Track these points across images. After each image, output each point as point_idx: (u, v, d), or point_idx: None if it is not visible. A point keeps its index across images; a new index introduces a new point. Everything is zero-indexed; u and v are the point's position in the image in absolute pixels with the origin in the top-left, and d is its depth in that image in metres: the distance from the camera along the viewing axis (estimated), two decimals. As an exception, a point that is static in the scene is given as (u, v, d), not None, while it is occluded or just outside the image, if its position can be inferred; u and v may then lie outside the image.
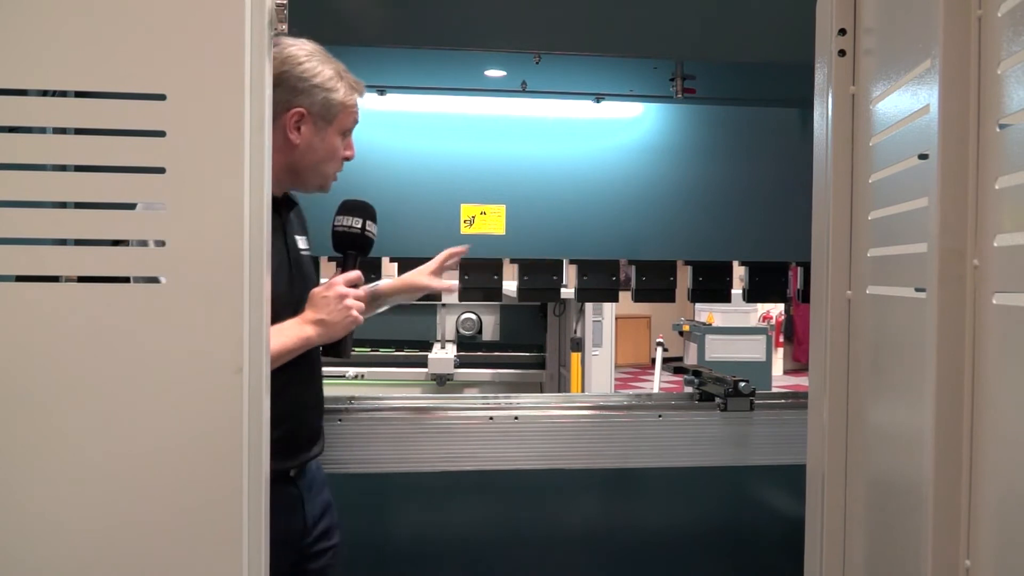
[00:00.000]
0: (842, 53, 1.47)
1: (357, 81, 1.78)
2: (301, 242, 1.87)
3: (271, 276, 1.65)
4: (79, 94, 1.05)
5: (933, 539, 1.13)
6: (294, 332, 1.65)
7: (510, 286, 2.58)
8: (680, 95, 2.39)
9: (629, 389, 9.88)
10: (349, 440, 2.36)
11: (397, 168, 2.42)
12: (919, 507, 1.17)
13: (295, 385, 1.74)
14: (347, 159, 1.81)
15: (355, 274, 1.73)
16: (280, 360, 1.62)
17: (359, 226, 1.78)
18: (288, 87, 1.69)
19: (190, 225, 1.05)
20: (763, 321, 9.93)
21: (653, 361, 7.87)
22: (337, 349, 1.72)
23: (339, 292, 1.68)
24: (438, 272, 2.13)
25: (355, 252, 1.79)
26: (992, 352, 1.08)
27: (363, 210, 1.80)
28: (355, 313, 1.69)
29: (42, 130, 1.08)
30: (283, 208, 1.80)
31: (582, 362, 4.69)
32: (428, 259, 2.43)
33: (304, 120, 1.71)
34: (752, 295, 2.69)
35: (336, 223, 1.80)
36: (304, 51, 1.72)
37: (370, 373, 4.66)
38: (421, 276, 2.11)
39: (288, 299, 1.71)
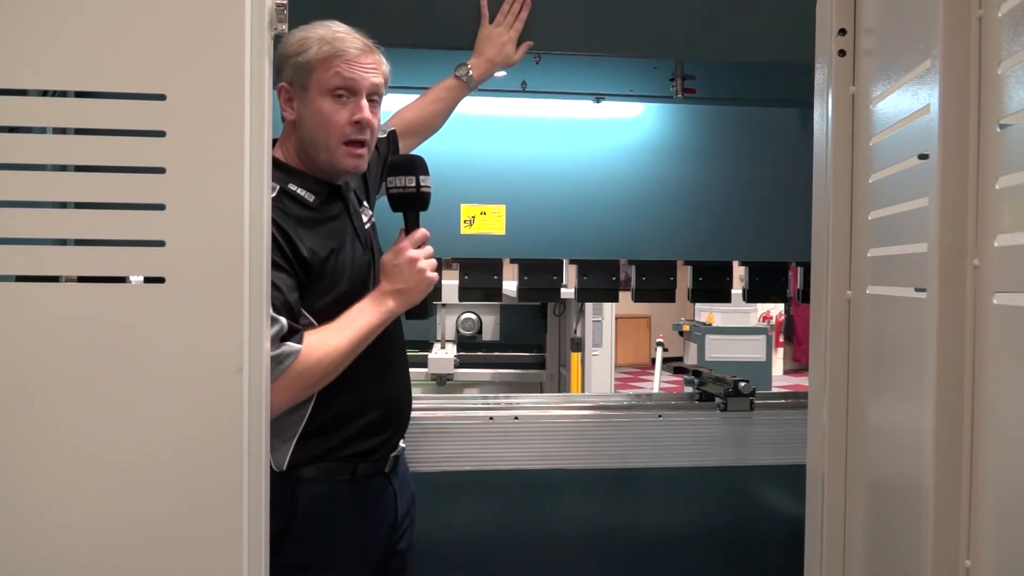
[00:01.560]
0: (842, 53, 1.47)
1: (337, 35, 1.63)
2: (364, 215, 1.81)
3: (351, 269, 1.67)
4: (79, 94, 1.05)
5: (933, 539, 1.13)
6: (375, 308, 1.63)
7: (510, 286, 2.57)
8: (680, 95, 2.39)
9: (629, 389, 9.88)
10: (349, 440, 2.35)
11: (397, 168, 2.42)
12: (919, 507, 1.17)
13: (376, 374, 1.72)
14: (357, 123, 1.64)
15: (421, 233, 1.69)
16: (369, 338, 1.62)
17: (413, 184, 1.71)
18: (276, 72, 1.62)
19: (190, 225, 1.05)
20: (763, 321, 9.93)
21: (653, 361, 7.87)
22: (419, 312, 1.70)
23: (410, 257, 1.65)
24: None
25: (415, 210, 1.73)
26: (992, 352, 1.08)
27: (412, 166, 1.72)
28: (430, 274, 1.66)
29: (42, 130, 1.08)
30: (344, 191, 1.75)
31: (582, 362, 4.69)
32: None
33: (290, 93, 1.65)
34: (752, 295, 2.68)
35: (389, 185, 1.74)
36: (295, 34, 1.64)
37: (370, 373, 4.64)
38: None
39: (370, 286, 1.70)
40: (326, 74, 1.62)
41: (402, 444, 1.81)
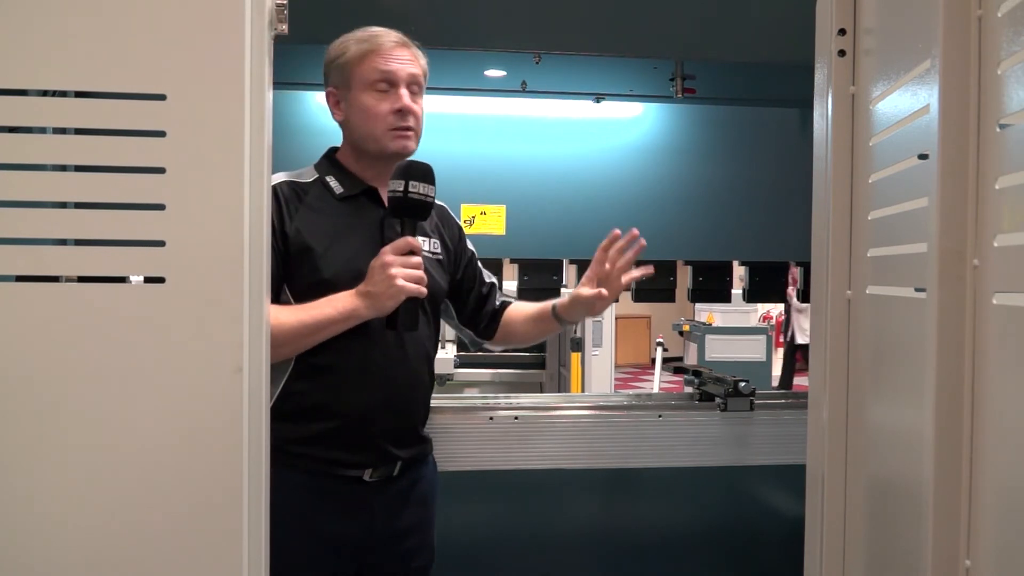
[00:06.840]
0: (842, 53, 1.47)
1: (373, 33, 1.72)
2: (428, 243, 1.78)
3: (343, 264, 1.65)
4: (79, 94, 1.05)
5: (933, 539, 1.13)
6: (341, 303, 1.59)
7: (510, 286, 2.58)
8: (680, 95, 2.39)
9: (629, 389, 9.88)
10: (349, 440, 2.34)
11: (397, 168, 2.43)
12: (919, 507, 1.17)
13: (361, 382, 1.68)
14: (399, 111, 1.69)
15: (404, 241, 1.59)
16: (324, 329, 1.59)
17: (401, 189, 1.59)
18: (325, 79, 1.76)
19: (190, 225, 1.05)
20: (763, 321, 9.93)
21: (653, 361, 7.87)
22: (392, 321, 1.59)
23: (382, 261, 1.57)
24: (592, 282, 1.90)
25: (408, 217, 1.62)
26: (992, 352, 1.08)
27: (407, 171, 1.61)
28: (400, 282, 1.55)
29: (42, 130, 1.08)
30: (378, 203, 1.75)
31: (582, 362, 4.70)
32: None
33: (338, 96, 1.74)
34: (752, 295, 2.69)
35: (388, 188, 1.65)
36: (336, 41, 1.75)
37: (370, 373, 4.64)
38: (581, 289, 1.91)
39: None
40: (365, 69, 1.70)
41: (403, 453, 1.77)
